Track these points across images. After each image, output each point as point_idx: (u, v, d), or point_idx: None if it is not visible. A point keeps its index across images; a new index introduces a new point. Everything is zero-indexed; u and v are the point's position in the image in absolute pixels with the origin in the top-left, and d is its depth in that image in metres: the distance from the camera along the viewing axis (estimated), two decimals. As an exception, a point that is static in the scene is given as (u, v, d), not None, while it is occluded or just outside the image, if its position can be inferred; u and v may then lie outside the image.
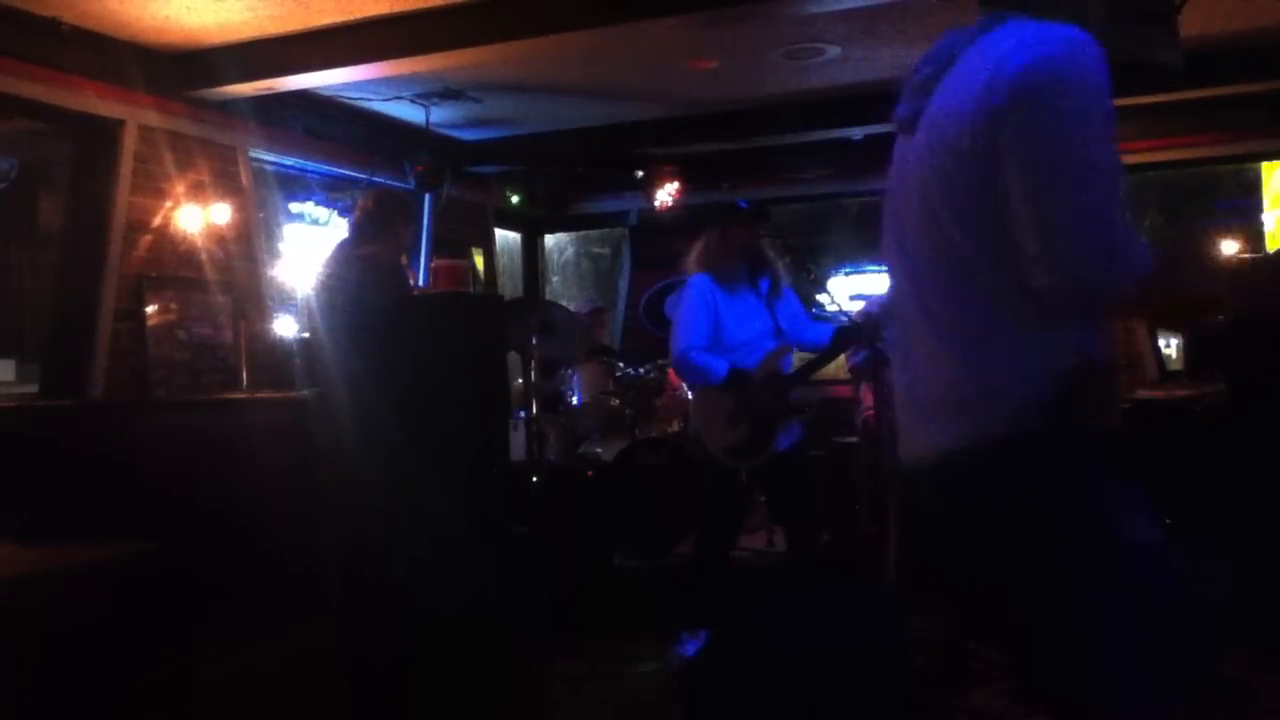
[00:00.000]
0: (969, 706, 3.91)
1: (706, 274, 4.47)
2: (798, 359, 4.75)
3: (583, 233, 9.65)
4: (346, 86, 5.77)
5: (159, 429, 3.56)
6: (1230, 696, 3.58)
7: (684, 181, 7.52)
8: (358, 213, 4.49)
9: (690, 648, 3.69)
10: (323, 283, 4.45)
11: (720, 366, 4.32)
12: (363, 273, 4.22)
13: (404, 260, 5.15)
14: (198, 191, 5.43)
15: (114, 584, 2.83)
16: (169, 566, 2.93)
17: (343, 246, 4.40)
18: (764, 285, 4.53)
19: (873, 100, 6.51)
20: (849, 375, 5.69)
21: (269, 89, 5.41)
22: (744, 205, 4.57)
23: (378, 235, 4.44)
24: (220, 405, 4.79)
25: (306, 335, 5.71)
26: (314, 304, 4.27)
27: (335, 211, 6.62)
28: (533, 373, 5.03)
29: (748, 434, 4.31)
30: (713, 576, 4.46)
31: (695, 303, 4.43)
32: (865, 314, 5.14)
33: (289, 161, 6.34)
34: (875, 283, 7.79)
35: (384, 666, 3.07)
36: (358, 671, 3.09)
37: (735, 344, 4.40)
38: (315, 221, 6.52)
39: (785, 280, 4.62)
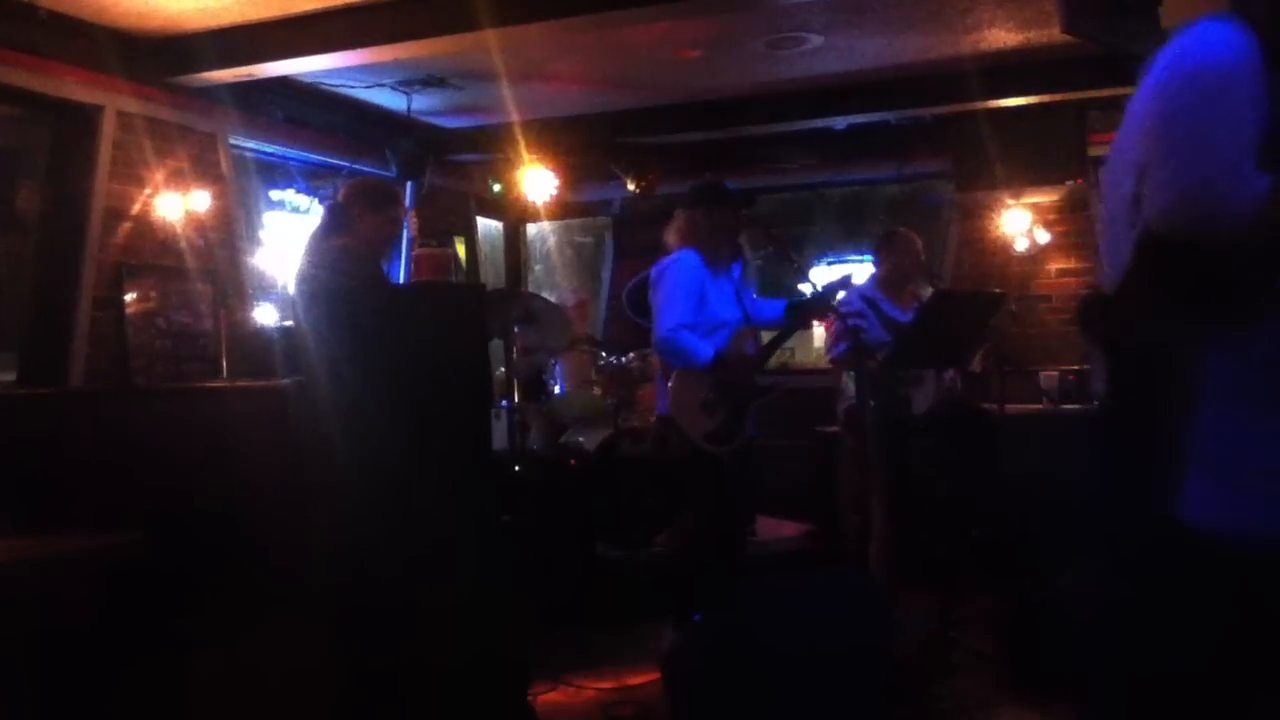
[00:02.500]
0: (953, 695, 3.94)
1: (695, 250, 4.34)
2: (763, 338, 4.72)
3: (565, 222, 9.61)
4: (327, 73, 5.74)
5: (139, 417, 3.53)
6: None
7: (667, 171, 7.50)
8: (330, 204, 4.44)
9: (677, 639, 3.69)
10: (301, 274, 4.42)
11: (706, 352, 4.19)
12: (334, 264, 4.19)
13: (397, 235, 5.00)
14: (177, 179, 5.39)
15: (98, 573, 2.82)
16: (153, 555, 2.91)
17: (314, 237, 4.36)
18: (736, 271, 4.49)
19: (856, 90, 6.52)
20: (829, 365, 5.69)
21: (249, 75, 5.37)
22: (730, 187, 4.52)
23: (348, 227, 4.37)
24: (201, 393, 4.76)
25: (288, 324, 5.68)
26: (294, 294, 4.24)
27: (316, 199, 6.57)
28: (514, 362, 5.03)
29: (724, 418, 4.26)
30: (715, 567, 4.40)
31: (683, 278, 4.22)
32: (846, 305, 5.15)
33: (269, 149, 6.29)
34: (858, 271, 7.79)
35: (370, 656, 3.06)
36: (345, 660, 3.08)
37: (715, 326, 4.32)
38: (296, 209, 6.47)
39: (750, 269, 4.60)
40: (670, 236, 4.43)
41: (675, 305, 4.19)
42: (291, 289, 4.53)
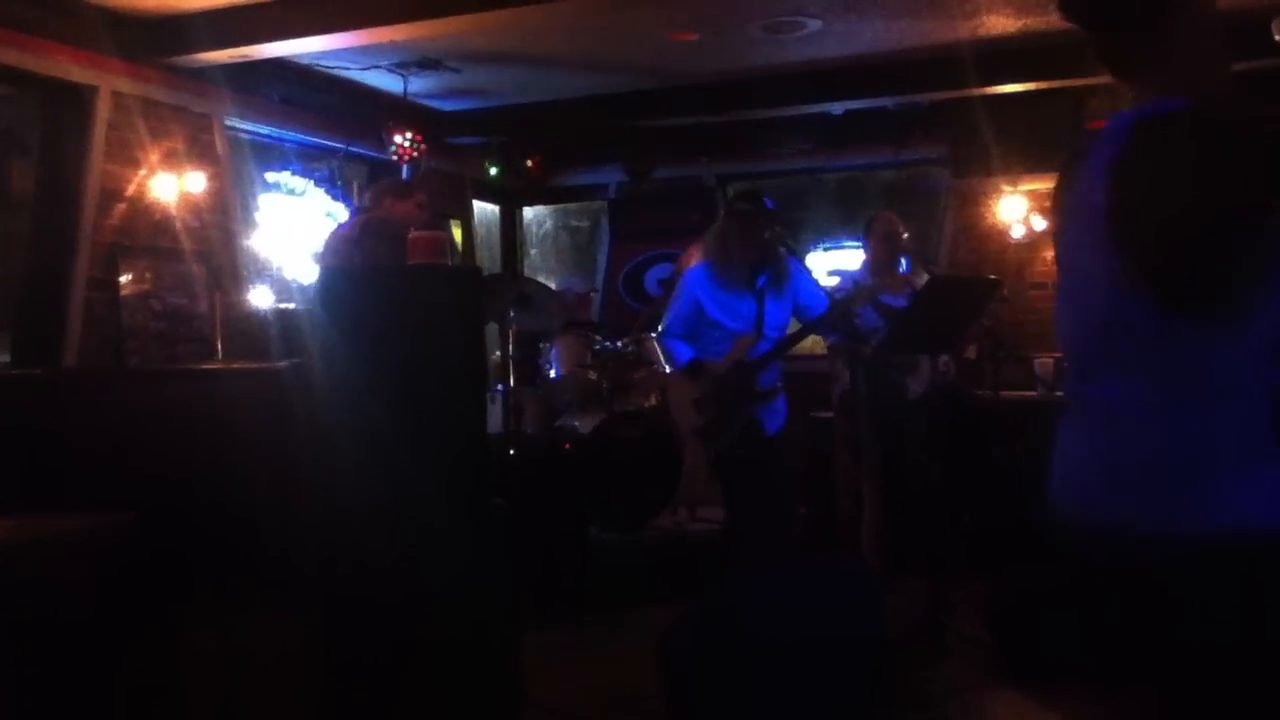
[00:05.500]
0: (944, 679, 3.96)
1: (705, 265, 4.51)
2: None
3: (561, 206, 9.60)
4: (323, 54, 5.72)
5: (133, 399, 3.52)
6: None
7: (663, 155, 7.50)
8: (360, 205, 4.70)
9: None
10: (331, 246, 4.54)
11: (683, 355, 4.51)
12: (362, 230, 4.38)
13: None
14: (172, 160, 5.38)
15: (92, 555, 2.82)
16: (146, 537, 2.91)
17: (342, 226, 4.54)
18: (761, 280, 4.51)
19: (853, 75, 6.51)
20: (826, 351, 5.70)
21: (244, 56, 5.35)
22: (771, 206, 4.55)
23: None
24: (195, 375, 4.75)
25: (283, 306, 5.68)
26: (318, 267, 4.36)
27: (312, 181, 6.57)
28: (509, 345, 5.03)
29: (714, 416, 4.37)
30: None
31: (682, 290, 4.59)
32: (841, 290, 5.16)
33: (265, 130, 6.27)
34: (853, 258, 7.79)
35: (362, 640, 3.07)
36: (336, 644, 3.09)
37: (725, 334, 4.43)
38: (291, 191, 6.46)
39: (788, 273, 4.59)
40: (704, 244, 4.65)
41: (669, 313, 4.61)
42: (309, 267, 4.56)
